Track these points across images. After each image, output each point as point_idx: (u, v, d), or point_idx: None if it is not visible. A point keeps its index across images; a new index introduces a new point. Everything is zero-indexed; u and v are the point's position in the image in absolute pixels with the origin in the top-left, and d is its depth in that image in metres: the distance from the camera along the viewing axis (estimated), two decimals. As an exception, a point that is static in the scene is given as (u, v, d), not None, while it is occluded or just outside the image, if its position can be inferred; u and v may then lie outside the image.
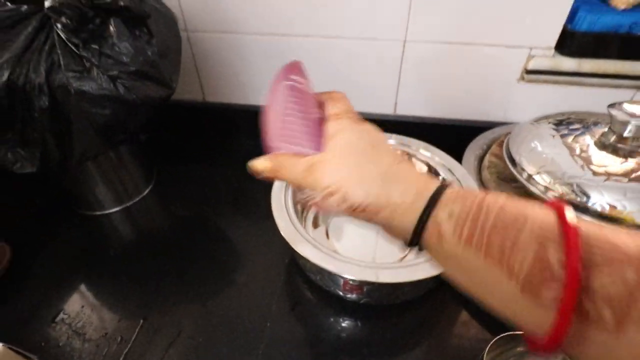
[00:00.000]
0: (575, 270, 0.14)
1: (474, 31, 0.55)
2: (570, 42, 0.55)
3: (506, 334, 0.35)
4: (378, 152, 0.22)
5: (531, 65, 0.57)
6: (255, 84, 0.67)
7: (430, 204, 0.19)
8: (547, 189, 0.40)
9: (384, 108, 0.65)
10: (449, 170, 0.50)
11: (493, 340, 0.34)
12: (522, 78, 0.58)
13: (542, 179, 0.41)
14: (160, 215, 0.60)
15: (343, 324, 0.42)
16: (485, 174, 0.51)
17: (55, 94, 0.41)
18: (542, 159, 0.43)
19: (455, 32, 0.55)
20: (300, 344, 0.40)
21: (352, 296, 0.42)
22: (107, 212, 0.59)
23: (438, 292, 0.45)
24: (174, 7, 0.59)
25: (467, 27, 0.55)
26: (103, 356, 0.39)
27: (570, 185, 0.38)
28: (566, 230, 0.15)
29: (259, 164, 0.25)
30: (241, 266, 0.49)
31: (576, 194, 0.37)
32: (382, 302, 0.43)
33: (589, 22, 0.53)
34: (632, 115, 0.39)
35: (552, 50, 0.56)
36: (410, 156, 0.53)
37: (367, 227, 0.50)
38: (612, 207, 0.35)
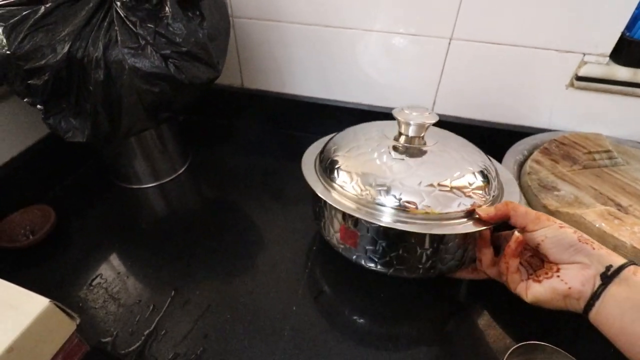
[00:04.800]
0: None
1: (525, 33, 0.53)
2: (628, 50, 0.53)
3: (527, 342, 0.34)
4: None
5: (583, 72, 0.54)
6: (294, 74, 0.67)
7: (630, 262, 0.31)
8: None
9: (423, 101, 0.65)
10: (495, 172, 0.43)
11: (513, 348, 0.34)
12: (572, 84, 0.56)
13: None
14: (193, 195, 0.62)
15: (366, 316, 0.43)
16: (526, 180, 0.50)
17: (110, 69, 0.43)
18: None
19: (506, 32, 0.54)
20: (326, 330, 0.41)
21: (377, 265, 0.41)
22: (143, 186, 0.62)
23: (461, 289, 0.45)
24: (223, -8, 0.60)
25: (518, 28, 0.53)
26: (137, 321, 0.41)
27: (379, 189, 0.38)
28: None
29: None
30: (269, 250, 0.50)
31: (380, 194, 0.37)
32: (411, 273, 0.41)
33: (650, 30, 0.50)
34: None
35: (607, 58, 0.54)
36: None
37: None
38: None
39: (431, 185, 0.37)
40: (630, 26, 0.52)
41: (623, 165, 0.53)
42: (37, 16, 0.41)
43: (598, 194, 0.48)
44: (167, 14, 0.43)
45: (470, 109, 0.63)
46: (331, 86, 0.67)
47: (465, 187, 0.38)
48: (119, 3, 0.43)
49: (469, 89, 0.61)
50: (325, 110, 0.68)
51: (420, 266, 0.40)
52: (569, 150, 0.54)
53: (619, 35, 0.52)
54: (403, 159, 0.40)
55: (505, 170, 0.46)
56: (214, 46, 0.47)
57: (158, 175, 0.62)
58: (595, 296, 0.30)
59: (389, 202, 0.37)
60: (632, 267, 0.30)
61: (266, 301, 0.44)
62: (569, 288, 0.32)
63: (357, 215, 0.37)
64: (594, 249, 0.32)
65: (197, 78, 0.45)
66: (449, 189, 0.37)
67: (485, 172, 0.40)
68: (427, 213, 0.36)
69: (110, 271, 0.48)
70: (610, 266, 0.31)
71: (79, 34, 0.42)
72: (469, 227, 0.36)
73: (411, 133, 0.41)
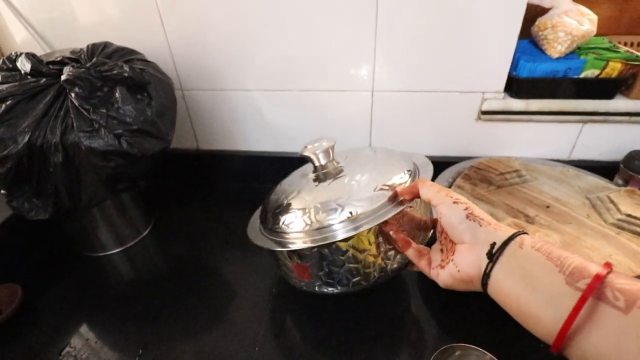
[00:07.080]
0: (602, 275, 0.23)
1: (431, 81, 0.63)
2: (516, 86, 0.63)
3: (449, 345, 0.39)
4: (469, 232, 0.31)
5: (485, 107, 0.64)
6: (242, 133, 0.75)
7: (519, 232, 0.29)
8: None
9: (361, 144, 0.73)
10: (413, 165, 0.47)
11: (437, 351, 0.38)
12: (479, 118, 0.66)
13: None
14: (158, 255, 0.66)
15: (324, 344, 0.47)
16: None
17: (68, 151, 0.48)
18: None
19: (415, 82, 0.64)
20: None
21: (337, 287, 0.42)
22: (108, 253, 0.64)
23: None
24: (171, 70, 0.68)
25: (424, 78, 0.63)
26: (104, 385, 0.43)
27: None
28: (605, 266, 0.24)
29: None
30: (232, 298, 0.54)
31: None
32: (367, 279, 0.42)
33: (529, 69, 0.61)
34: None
35: (502, 93, 0.64)
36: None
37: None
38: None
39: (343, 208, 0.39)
40: (514, 66, 0.63)
41: (532, 181, 0.62)
42: (-2, 114, 0.46)
43: (510, 209, 0.55)
44: (117, 99, 0.49)
45: (401, 146, 0.71)
46: (277, 140, 0.74)
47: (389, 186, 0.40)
48: (73, 94, 0.49)
49: (397, 130, 0.70)
50: (274, 162, 0.75)
51: (373, 268, 0.41)
52: (484, 174, 0.63)
53: (506, 75, 0.62)
54: (322, 183, 0.44)
55: (422, 157, 0.49)
56: (163, 120, 0.53)
57: (122, 240, 0.66)
58: (486, 275, 0.28)
59: (334, 219, 0.39)
60: (518, 239, 0.28)
61: (231, 346, 0.47)
62: (458, 271, 0.30)
63: (293, 247, 0.40)
64: (481, 225, 0.30)
65: (148, 150, 0.51)
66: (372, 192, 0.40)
67: (409, 170, 0.44)
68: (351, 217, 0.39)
69: (79, 339, 0.49)
70: (494, 244, 0.28)
71: (38, 124, 0.48)
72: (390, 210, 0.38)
73: (322, 161, 0.46)
